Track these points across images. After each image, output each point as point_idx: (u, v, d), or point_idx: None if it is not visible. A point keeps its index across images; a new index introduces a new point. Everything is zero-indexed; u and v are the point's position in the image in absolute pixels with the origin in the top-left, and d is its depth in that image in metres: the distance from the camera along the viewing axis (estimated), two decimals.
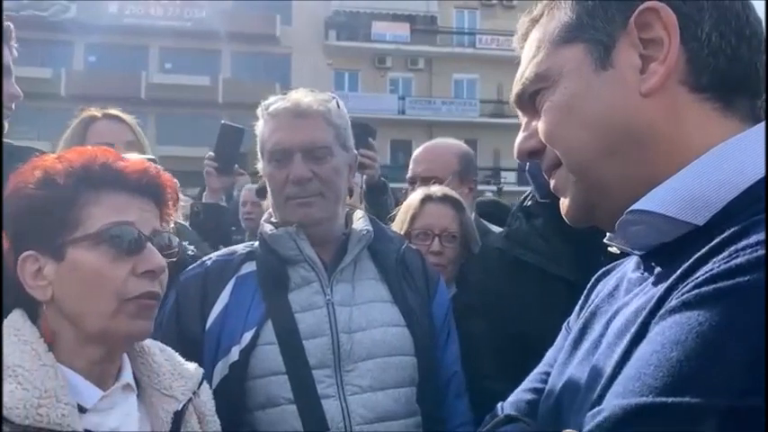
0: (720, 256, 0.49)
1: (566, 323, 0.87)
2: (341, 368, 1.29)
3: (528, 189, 1.62)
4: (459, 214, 1.81)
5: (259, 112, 1.43)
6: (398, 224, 1.81)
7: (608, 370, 0.57)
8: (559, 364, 0.76)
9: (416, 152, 2.28)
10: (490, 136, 23.68)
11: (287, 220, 1.39)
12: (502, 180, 23.40)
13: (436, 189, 1.86)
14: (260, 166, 1.45)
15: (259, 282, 1.36)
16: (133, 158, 0.99)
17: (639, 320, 0.56)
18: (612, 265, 0.83)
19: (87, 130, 1.82)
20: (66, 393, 0.82)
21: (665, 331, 0.48)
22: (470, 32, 26.41)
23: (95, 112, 1.89)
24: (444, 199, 1.82)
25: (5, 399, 0.77)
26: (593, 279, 0.85)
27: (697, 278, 0.50)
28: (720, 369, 0.43)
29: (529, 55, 0.72)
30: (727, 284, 0.46)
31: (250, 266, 1.39)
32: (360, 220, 1.47)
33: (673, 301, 0.51)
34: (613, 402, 0.49)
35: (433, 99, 25.54)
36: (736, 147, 0.59)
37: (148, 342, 1.01)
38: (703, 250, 0.52)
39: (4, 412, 0.76)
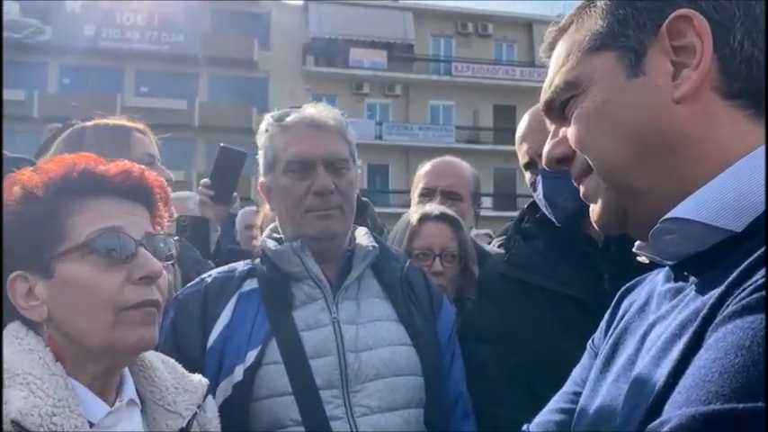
0: None
1: (590, 341, 0.86)
2: (348, 388, 1.25)
3: (508, 213, 1.61)
4: (457, 233, 1.79)
5: (264, 125, 1.40)
6: (396, 244, 1.78)
7: (658, 382, 0.55)
8: (591, 383, 0.74)
9: (433, 166, 2.16)
10: (466, 161, 23.79)
11: (304, 233, 1.34)
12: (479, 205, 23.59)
13: (432, 207, 1.83)
14: (262, 179, 1.41)
15: (262, 299, 1.31)
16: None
17: (692, 330, 0.54)
18: (636, 280, 0.82)
19: (129, 138, 1.59)
20: (77, 404, 0.78)
21: (727, 337, 0.47)
22: (446, 60, 26.85)
23: (127, 121, 1.65)
24: (442, 217, 1.79)
25: (19, 404, 0.73)
26: (617, 295, 0.84)
27: (754, 282, 0.49)
28: None
29: (557, 64, 0.72)
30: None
31: (252, 283, 1.35)
32: (364, 237, 1.44)
33: (730, 307, 0.49)
34: (679, 412, 0.47)
35: (410, 125, 25.77)
36: None
37: (150, 355, 0.96)
38: (756, 255, 0.51)
39: (19, 418, 0.72)
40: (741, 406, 0.43)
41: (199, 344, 1.25)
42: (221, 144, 2.07)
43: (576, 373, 0.84)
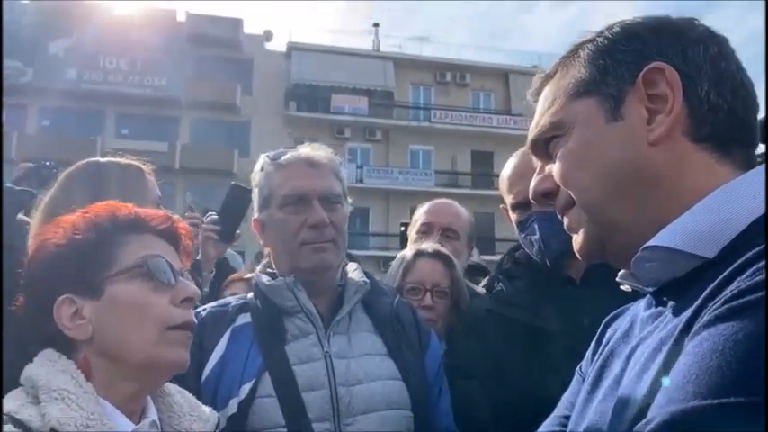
0: (743, 276, 0.55)
1: (578, 368, 0.91)
2: (340, 422, 1.26)
3: (486, 257, 1.66)
4: (449, 270, 1.84)
5: (259, 165, 1.46)
6: (390, 279, 1.83)
7: (642, 392, 0.61)
8: (580, 405, 0.79)
9: (432, 205, 2.25)
10: None
11: (299, 266, 1.38)
12: None
13: (428, 245, 1.89)
14: (256, 216, 1.46)
15: (255, 333, 1.33)
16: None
17: (671, 342, 0.60)
18: (619, 309, 0.88)
19: (142, 179, 1.60)
20: (108, 420, 0.82)
21: (702, 343, 0.53)
22: (425, 107, 27.47)
23: (135, 160, 1.65)
24: (436, 255, 1.85)
25: (57, 414, 0.79)
26: (602, 324, 0.89)
27: (724, 296, 0.55)
28: (756, 371, 0.48)
29: (544, 107, 0.80)
30: (755, 297, 0.52)
31: (245, 318, 1.38)
32: (355, 272, 1.48)
33: (704, 318, 0.55)
34: (662, 410, 0.52)
35: (391, 168, 26.09)
36: (739, 187, 0.66)
37: (168, 384, 1.01)
38: (725, 273, 0.57)
39: (57, 426, 0.78)
40: (717, 401, 0.48)
41: (194, 376, 1.26)
42: (232, 182, 2.07)
43: (566, 397, 0.89)
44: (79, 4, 23.58)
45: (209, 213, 1.99)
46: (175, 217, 1.03)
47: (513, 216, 1.58)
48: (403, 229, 2.85)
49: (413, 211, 2.31)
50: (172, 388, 1.01)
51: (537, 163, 0.84)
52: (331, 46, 27.26)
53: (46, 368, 0.85)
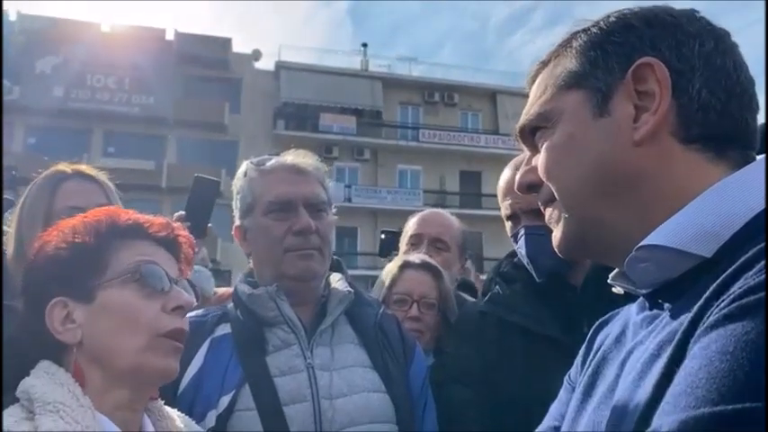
0: (751, 272, 0.51)
1: (566, 376, 0.87)
2: None
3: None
4: (437, 282, 1.80)
5: (242, 171, 1.43)
6: (377, 290, 1.79)
7: (642, 400, 0.56)
8: (572, 414, 0.75)
9: (422, 215, 2.21)
10: None
11: (283, 273, 1.35)
12: None
13: (415, 257, 1.86)
14: (238, 223, 1.42)
15: (235, 344, 1.29)
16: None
17: (672, 345, 0.56)
18: (609, 315, 0.84)
19: (57, 189, 1.60)
20: None
21: (711, 345, 0.49)
22: (414, 127, 27.64)
23: (65, 167, 1.66)
24: (423, 266, 1.82)
25: (50, 426, 0.78)
26: (591, 330, 0.86)
27: (732, 294, 0.51)
28: None
29: (536, 95, 0.77)
30: (765, 294, 0.48)
31: (225, 328, 1.34)
32: (339, 282, 1.45)
33: (711, 318, 0.51)
34: (669, 419, 0.48)
35: (379, 188, 26.14)
36: (738, 182, 0.63)
37: (167, 408, 1.01)
38: (729, 270, 0.54)
39: None
40: (730, 407, 0.44)
41: (170, 388, 1.21)
42: (195, 174, 2.00)
43: (554, 408, 0.85)
44: (67, 22, 23.60)
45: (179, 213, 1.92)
46: (176, 224, 1.02)
47: (508, 226, 1.56)
48: (383, 236, 2.81)
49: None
50: (172, 412, 1.01)
51: (525, 153, 0.81)
52: (319, 65, 27.42)
53: (42, 380, 0.84)
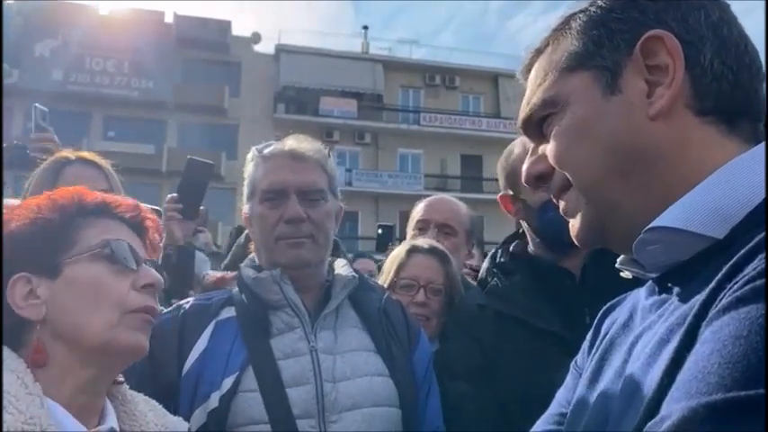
0: (766, 253, 0.49)
1: (573, 362, 0.85)
2: (325, 418, 1.23)
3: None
4: (444, 267, 1.79)
5: (249, 156, 1.43)
6: (384, 275, 1.79)
7: (651, 386, 0.55)
8: (577, 401, 0.74)
9: (429, 201, 2.19)
10: None
11: (275, 261, 1.35)
12: None
13: (423, 241, 1.84)
14: (245, 209, 1.42)
15: (240, 327, 1.30)
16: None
17: (682, 330, 0.54)
18: (616, 300, 0.83)
19: (59, 173, 1.63)
20: (51, 424, 0.77)
21: (723, 329, 0.47)
22: (415, 110, 27.50)
23: (68, 153, 1.69)
24: (431, 251, 1.80)
25: None
26: (598, 315, 0.84)
27: (745, 275, 0.49)
28: None
29: (535, 83, 0.74)
30: None
31: (229, 312, 1.34)
32: (343, 267, 1.45)
33: (723, 301, 0.50)
34: (679, 405, 0.46)
35: (380, 172, 26.09)
36: (748, 162, 0.61)
37: (132, 392, 0.97)
38: (742, 252, 0.52)
39: None
40: (743, 393, 0.42)
41: (175, 369, 1.23)
42: (188, 156, 1.98)
43: (561, 394, 0.83)
44: (65, 5, 23.39)
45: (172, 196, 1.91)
46: (144, 207, 1.01)
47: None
48: (380, 231, 2.81)
49: (402, 215, 2.26)
50: (137, 396, 0.98)
51: (529, 144, 0.78)
52: (320, 48, 27.21)
53: None
